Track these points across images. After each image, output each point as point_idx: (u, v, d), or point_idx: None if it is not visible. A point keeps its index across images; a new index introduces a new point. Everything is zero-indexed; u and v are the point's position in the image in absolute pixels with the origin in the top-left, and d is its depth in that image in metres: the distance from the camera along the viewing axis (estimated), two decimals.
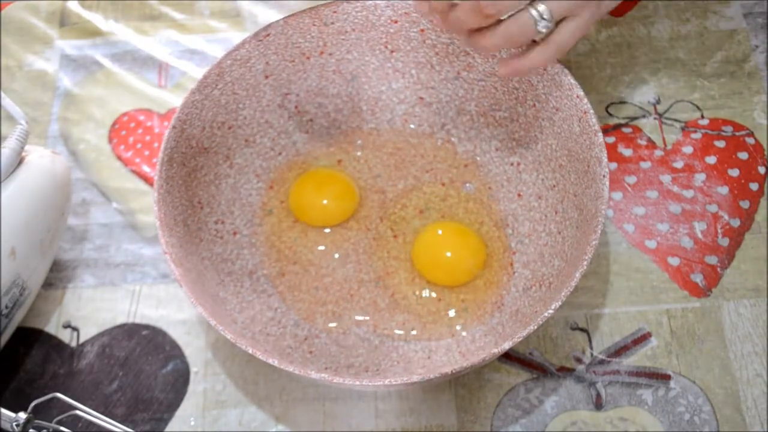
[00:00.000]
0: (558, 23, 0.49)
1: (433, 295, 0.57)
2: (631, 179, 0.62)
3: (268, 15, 0.71)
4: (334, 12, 0.58)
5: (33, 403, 0.47)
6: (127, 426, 0.49)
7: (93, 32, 0.72)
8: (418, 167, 0.62)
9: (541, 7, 0.48)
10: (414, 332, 0.55)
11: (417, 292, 0.57)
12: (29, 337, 0.58)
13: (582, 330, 0.57)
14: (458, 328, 0.55)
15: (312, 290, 0.57)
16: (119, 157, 0.66)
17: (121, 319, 0.59)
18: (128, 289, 0.60)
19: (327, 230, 0.60)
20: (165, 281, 0.60)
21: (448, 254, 0.57)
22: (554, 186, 0.56)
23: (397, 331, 0.56)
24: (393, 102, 0.63)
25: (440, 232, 0.58)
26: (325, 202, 0.60)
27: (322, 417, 0.55)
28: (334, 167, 0.62)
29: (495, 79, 0.59)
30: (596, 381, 0.55)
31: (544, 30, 0.48)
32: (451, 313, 0.56)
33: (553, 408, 0.54)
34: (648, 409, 0.54)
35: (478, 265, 0.56)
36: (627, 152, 0.63)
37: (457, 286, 0.57)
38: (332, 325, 0.56)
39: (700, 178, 0.62)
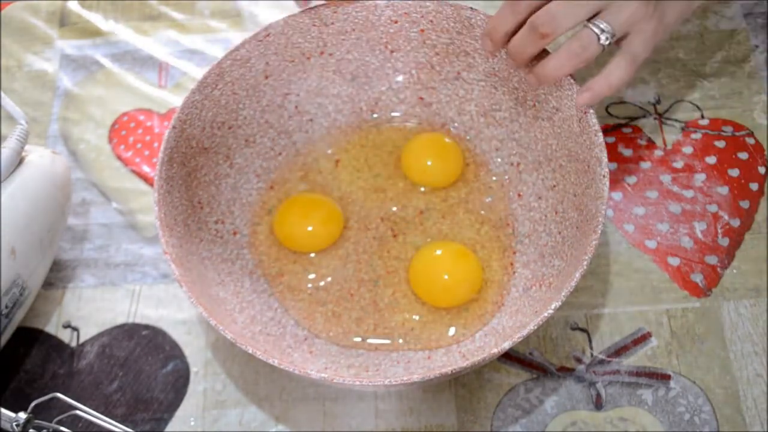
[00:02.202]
0: (620, 41, 0.51)
1: None
2: (631, 179, 0.62)
3: (268, 15, 0.71)
4: (334, 12, 0.58)
5: (33, 403, 0.47)
6: (127, 426, 0.49)
7: (93, 32, 0.72)
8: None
9: (601, 24, 0.49)
10: (414, 332, 0.55)
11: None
12: (29, 337, 0.58)
13: (582, 330, 0.57)
14: (458, 328, 0.55)
15: (312, 290, 0.57)
16: (119, 157, 0.66)
17: (121, 319, 0.59)
18: (128, 289, 0.60)
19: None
20: (165, 281, 0.60)
21: (445, 277, 0.56)
22: (554, 186, 0.56)
23: (397, 331, 0.56)
24: (393, 102, 0.63)
25: (437, 253, 0.57)
26: (310, 228, 0.59)
27: (322, 417, 0.55)
28: (314, 191, 0.61)
29: (495, 79, 0.59)
30: (596, 381, 0.55)
31: (606, 42, 0.49)
32: (451, 313, 0.56)
33: (553, 408, 0.54)
34: (648, 409, 0.54)
35: (474, 289, 0.56)
36: (627, 152, 0.63)
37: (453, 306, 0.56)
38: (332, 324, 0.56)
39: (700, 178, 0.62)
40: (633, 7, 0.49)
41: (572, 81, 0.53)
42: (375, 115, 0.63)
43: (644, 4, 0.50)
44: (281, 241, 0.59)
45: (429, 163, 0.60)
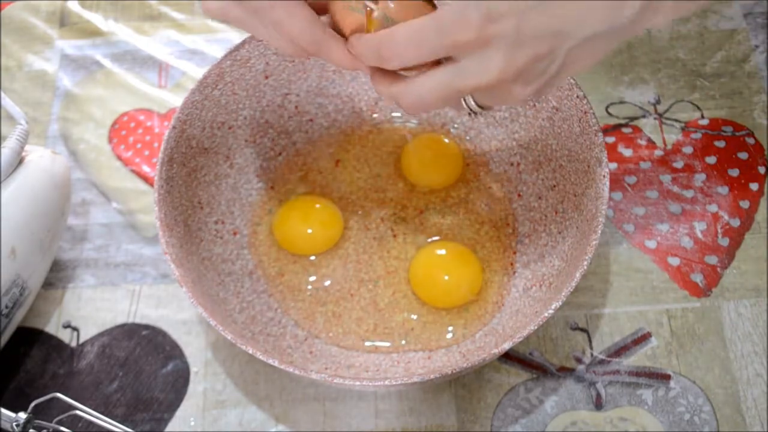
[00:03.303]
0: None
1: None
2: (631, 179, 0.62)
3: None
4: None
5: (33, 403, 0.47)
6: (127, 426, 0.49)
7: (93, 32, 0.72)
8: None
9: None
10: (414, 332, 0.55)
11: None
12: (29, 337, 0.58)
13: (582, 330, 0.57)
14: (458, 328, 0.55)
15: (312, 290, 0.57)
16: (119, 157, 0.66)
17: (121, 319, 0.59)
18: (128, 289, 0.60)
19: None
20: (165, 281, 0.60)
21: (445, 278, 0.56)
22: (554, 186, 0.56)
23: (397, 331, 0.56)
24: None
25: (437, 254, 0.57)
26: (309, 231, 0.58)
27: (322, 417, 0.55)
28: (313, 191, 0.61)
29: None
30: (596, 381, 0.55)
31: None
32: (452, 313, 0.56)
33: (553, 408, 0.54)
34: (648, 409, 0.54)
35: (474, 290, 0.56)
36: (627, 152, 0.63)
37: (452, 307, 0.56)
38: (332, 325, 0.56)
39: (700, 178, 0.62)
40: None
41: (573, 82, 0.53)
42: (375, 115, 0.63)
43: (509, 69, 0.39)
44: (281, 245, 0.59)
45: (429, 163, 0.60)
